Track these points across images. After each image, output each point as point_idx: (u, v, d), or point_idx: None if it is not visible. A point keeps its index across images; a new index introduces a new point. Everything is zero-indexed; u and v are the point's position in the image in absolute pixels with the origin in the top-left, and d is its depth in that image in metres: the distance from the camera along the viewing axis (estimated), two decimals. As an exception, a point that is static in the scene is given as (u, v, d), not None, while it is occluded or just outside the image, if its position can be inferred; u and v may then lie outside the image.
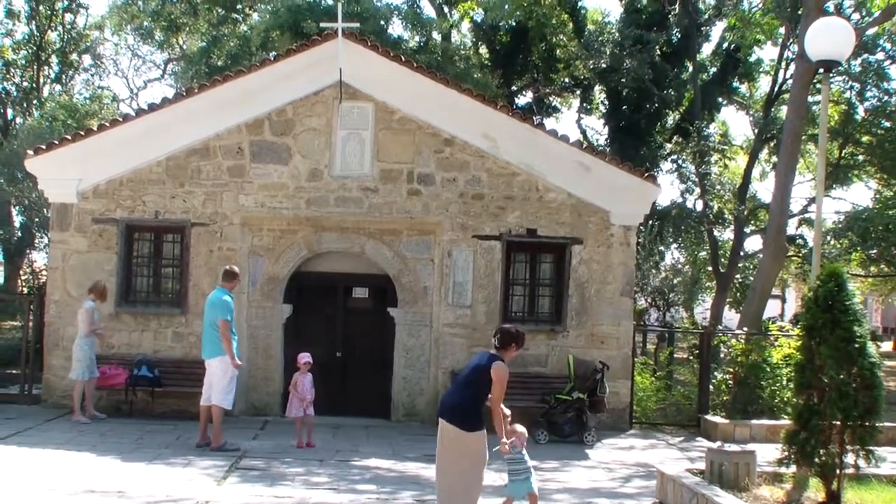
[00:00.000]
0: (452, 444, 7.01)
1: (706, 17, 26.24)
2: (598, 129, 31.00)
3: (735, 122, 40.92)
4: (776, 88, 26.45)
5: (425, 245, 13.65)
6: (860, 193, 65.06)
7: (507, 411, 7.23)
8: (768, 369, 14.01)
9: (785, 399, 13.32)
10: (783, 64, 25.83)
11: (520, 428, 7.25)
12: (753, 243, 29.29)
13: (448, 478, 7.01)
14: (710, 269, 27.98)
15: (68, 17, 31.60)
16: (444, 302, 13.50)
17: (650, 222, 22.63)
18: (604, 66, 24.54)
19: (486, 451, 7.02)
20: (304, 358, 11.10)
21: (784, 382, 13.67)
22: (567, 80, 28.12)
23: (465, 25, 28.38)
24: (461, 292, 13.53)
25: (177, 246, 13.68)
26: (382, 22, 23.53)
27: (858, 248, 24.52)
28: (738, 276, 27.76)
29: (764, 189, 32.05)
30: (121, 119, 14.12)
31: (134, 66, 44.11)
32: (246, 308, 13.30)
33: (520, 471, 7.22)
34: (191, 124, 13.45)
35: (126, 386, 12.79)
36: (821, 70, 9.81)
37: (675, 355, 20.03)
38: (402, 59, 14.01)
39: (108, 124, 13.92)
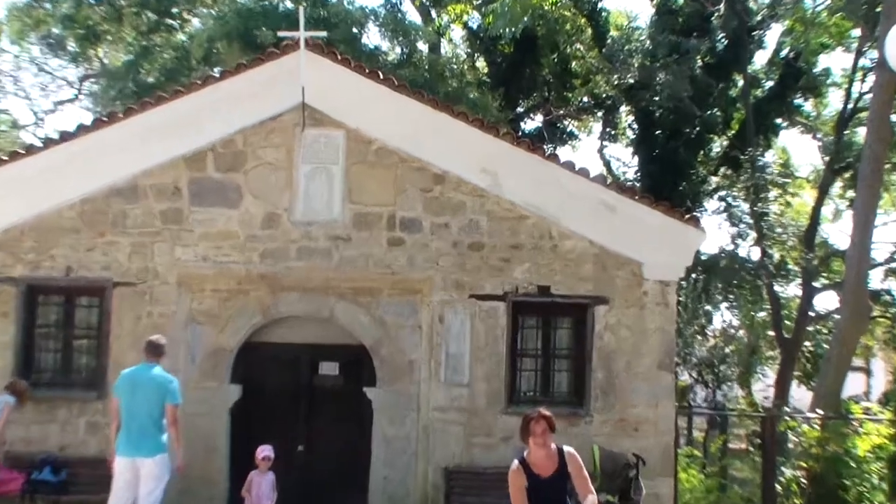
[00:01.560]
0: None
1: (759, 18, 26.61)
2: (625, 159, 31.33)
3: (799, 149, 41.40)
4: (850, 105, 26.76)
5: (410, 307, 13.68)
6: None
7: None
8: (852, 464, 13.98)
9: (876, 503, 13.25)
10: (859, 75, 26.19)
11: None
12: (827, 301, 29.47)
13: None
14: (771, 334, 28.04)
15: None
16: (435, 379, 13.48)
17: (693, 276, 22.78)
18: (631, 81, 24.88)
19: None
20: (264, 452, 11.05)
21: (875, 481, 13.61)
22: (586, 99, 28.46)
23: (459, 33, 28.71)
24: (456, 367, 13.51)
25: (94, 312, 13.66)
26: (355, 29, 23.85)
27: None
28: (807, 342, 27.84)
29: (838, 232, 32.29)
30: (23, 151, 14.17)
31: (40, 85, 44.20)
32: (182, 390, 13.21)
33: None
34: (113, 158, 13.51)
35: (22, 493, 12.62)
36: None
37: (730, 445, 19.95)
38: (381, 75, 14.18)
39: (5, 158, 13.98)
